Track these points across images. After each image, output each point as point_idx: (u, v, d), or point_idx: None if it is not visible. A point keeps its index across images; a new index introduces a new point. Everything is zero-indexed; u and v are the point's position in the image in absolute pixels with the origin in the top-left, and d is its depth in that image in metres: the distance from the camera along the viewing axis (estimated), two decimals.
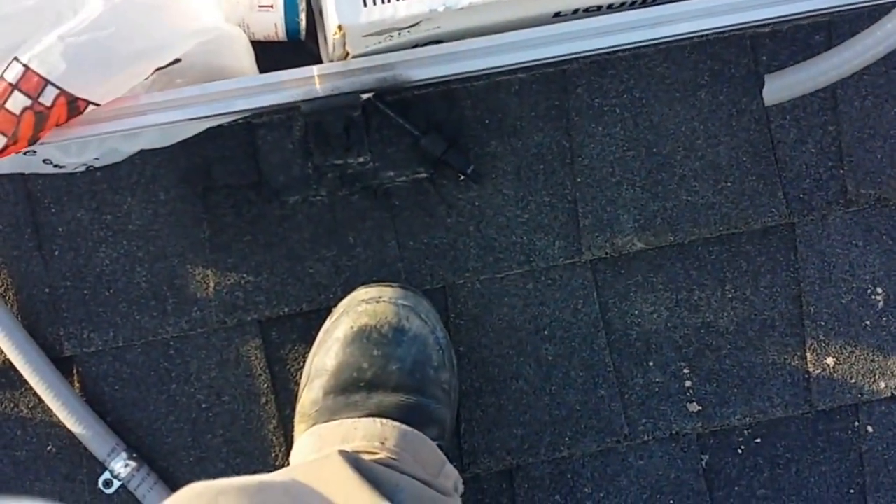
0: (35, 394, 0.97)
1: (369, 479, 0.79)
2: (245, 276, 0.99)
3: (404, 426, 0.87)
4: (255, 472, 1.00)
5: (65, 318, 0.99)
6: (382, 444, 0.85)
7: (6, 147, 0.79)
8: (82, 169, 0.96)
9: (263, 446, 1.00)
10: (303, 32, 0.91)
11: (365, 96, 0.92)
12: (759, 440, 1.04)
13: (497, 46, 0.88)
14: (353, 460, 0.80)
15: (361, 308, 0.91)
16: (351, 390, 0.89)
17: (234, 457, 1.00)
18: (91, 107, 0.82)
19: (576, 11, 0.89)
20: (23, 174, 0.97)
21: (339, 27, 0.82)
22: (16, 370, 0.97)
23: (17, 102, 0.78)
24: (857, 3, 0.91)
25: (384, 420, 0.87)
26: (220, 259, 0.99)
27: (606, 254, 1.01)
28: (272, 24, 0.90)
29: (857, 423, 1.05)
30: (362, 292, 0.94)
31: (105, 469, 0.98)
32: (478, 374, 1.01)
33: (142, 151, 0.96)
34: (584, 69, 1.00)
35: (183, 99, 0.86)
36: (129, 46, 0.81)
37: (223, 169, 0.98)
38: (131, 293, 0.99)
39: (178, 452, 1.00)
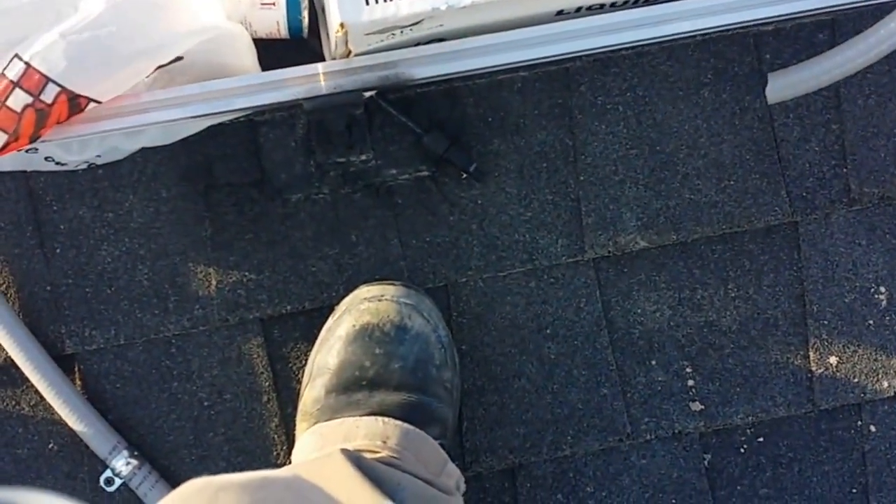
0: (36, 391, 0.97)
1: (371, 477, 0.78)
2: (247, 274, 0.99)
3: (406, 425, 0.87)
4: (256, 470, 0.99)
5: (66, 316, 0.98)
6: (384, 442, 0.85)
7: (7, 144, 0.79)
8: (84, 166, 0.96)
9: (265, 445, 1.00)
10: (305, 30, 0.91)
11: (367, 94, 0.92)
12: (761, 439, 1.04)
13: (500, 45, 0.87)
14: (354, 459, 0.80)
15: (364, 306, 0.91)
16: (353, 389, 0.89)
17: (235, 455, 1.00)
18: (92, 104, 0.82)
19: (578, 10, 0.89)
20: (25, 172, 0.97)
21: (342, 25, 0.82)
22: (17, 368, 0.97)
23: (18, 100, 0.78)
24: (860, 2, 0.90)
25: (386, 419, 0.87)
26: (221, 257, 0.99)
27: (609, 252, 1.01)
28: (274, 22, 0.90)
29: (859, 423, 1.05)
30: (364, 290, 0.93)
31: (106, 467, 0.98)
32: (480, 373, 1.01)
33: (143, 149, 0.96)
34: (587, 67, 1.00)
35: (185, 97, 0.86)
36: (131, 44, 0.81)
37: (225, 167, 0.98)
38: (133, 291, 0.99)
39: (179, 451, 1.00)
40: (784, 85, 1.00)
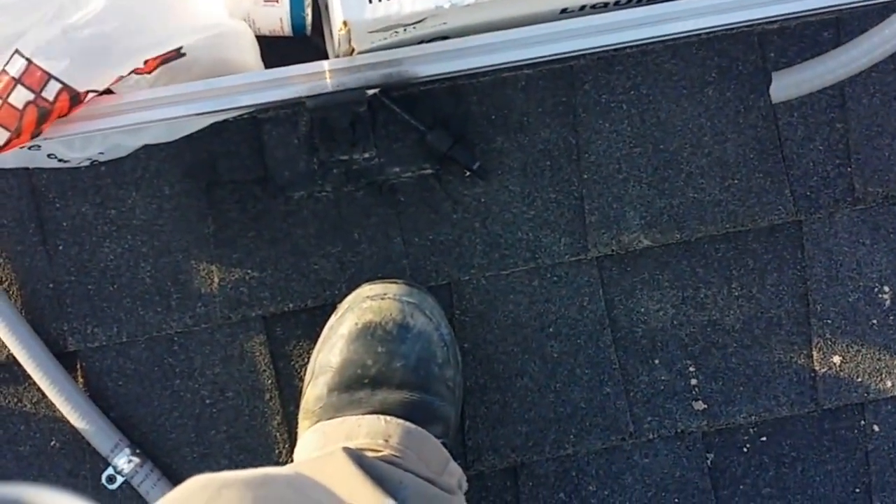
0: (38, 389, 0.97)
1: (373, 476, 0.78)
2: (249, 271, 0.99)
3: (408, 423, 0.87)
4: (258, 468, 0.99)
5: (69, 313, 0.98)
6: (386, 441, 0.85)
7: (9, 141, 0.79)
8: (87, 163, 0.96)
9: (267, 443, 1.00)
10: (308, 27, 0.91)
11: (371, 92, 0.91)
12: (764, 439, 1.04)
13: (503, 43, 0.87)
14: (356, 457, 0.80)
15: (366, 305, 0.91)
16: (355, 387, 0.89)
17: (237, 453, 1.00)
18: (92, 94, 0.82)
19: (582, 8, 0.89)
20: (27, 169, 0.97)
21: (345, 23, 0.82)
22: (19, 365, 0.97)
23: (19, 97, 0.78)
24: (865, 1, 0.90)
25: (388, 417, 0.87)
26: (224, 254, 0.98)
27: (612, 251, 1.01)
28: (277, 19, 0.90)
29: (863, 422, 1.04)
30: (367, 289, 0.93)
31: (108, 465, 0.98)
32: (482, 371, 1.01)
33: (146, 146, 0.96)
34: (591, 65, 0.99)
35: (188, 94, 0.86)
36: (133, 41, 0.80)
37: (228, 164, 0.98)
38: (135, 288, 0.98)
39: (181, 448, 1.00)
40: (788, 84, 1.00)
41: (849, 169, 1.02)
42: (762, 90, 1.00)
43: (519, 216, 1.00)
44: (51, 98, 0.79)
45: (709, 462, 1.04)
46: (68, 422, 0.97)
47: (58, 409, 0.97)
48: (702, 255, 1.02)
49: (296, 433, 0.96)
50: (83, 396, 0.97)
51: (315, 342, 0.95)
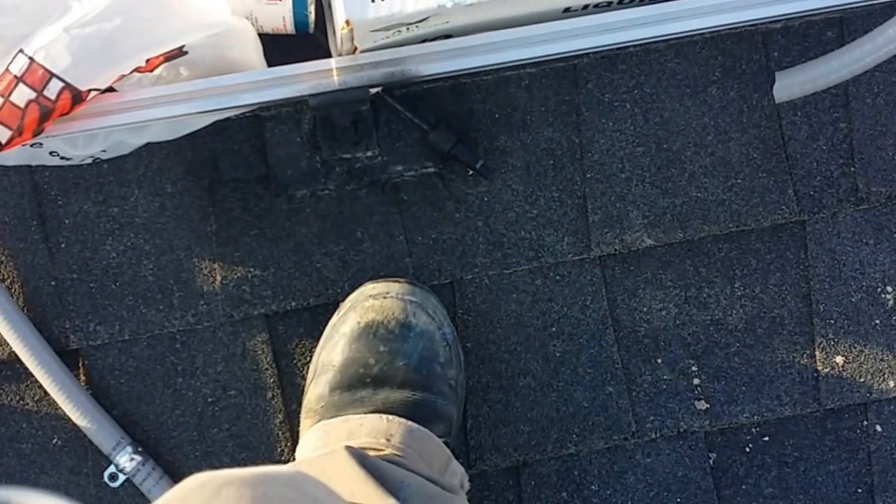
0: (40, 387, 0.97)
1: (375, 475, 0.78)
2: (252, 270, 0.99)
3: (410, 423, 0.87)
4: (260, 466, 0.99)
5: (71, 311, 0.98)
6: (388, 440, 0.85)
7: (11, 139, 0.79)
8: (89, 161, 0.95)
9: (269, 441, 1.00)
10: (311, 26, 0.91)
11: (373, 90, 0.91)
12: (766, 438, 1.04)
13: (506, 42, 0.87)
14: (358, 456, 0.80)
15: (368, 303, 0.91)
16: (357, 386, 0.89)
17: (239, 451, 1.00)
18: (93, 93, 0.82)
19: (586, 7, 0.89)
20: (29, 166, 0.97)
21: (347, 22, 0.82)
22: (21, 363, 0.97)
23: (21, 95, 0.78)
24: (869, 0, 0.90)
25: (390, 416, 0.87)
26: (226, 253, 0.98)
27: (615, 250, 1.00)
28: (280, 17, 0.89)
29: (865, 423, 1.04)
30: (369, 287, 0.93)
31: (110, 462, 0.98)
32: (485, 371, 1.01)
33: (148, 144, 0.96)
34: (594, 64, 0.99)
35: (190, 92, 0.86)
36: (135, 40, 0.80)
37: (230, 162, 0.98)
38: (137, 286, 0.98)
39: (183, 446, 1.00)
40: (792, 83, 0.99)
41: (852, 169, 1.01)
42: (766, 90, 1.00)
43: (522, 215, 1.00)
44: (52, 97, 0.79)
45: (711, 462, 1.04)
46: (70, 420, 0.97)
47: (60, 407, 0.97)
48: (705, 254, 1.02)
49: (298, 432, 0.96)
50: (85, 394, 0.97)
51: (317, 341, 0.95)
